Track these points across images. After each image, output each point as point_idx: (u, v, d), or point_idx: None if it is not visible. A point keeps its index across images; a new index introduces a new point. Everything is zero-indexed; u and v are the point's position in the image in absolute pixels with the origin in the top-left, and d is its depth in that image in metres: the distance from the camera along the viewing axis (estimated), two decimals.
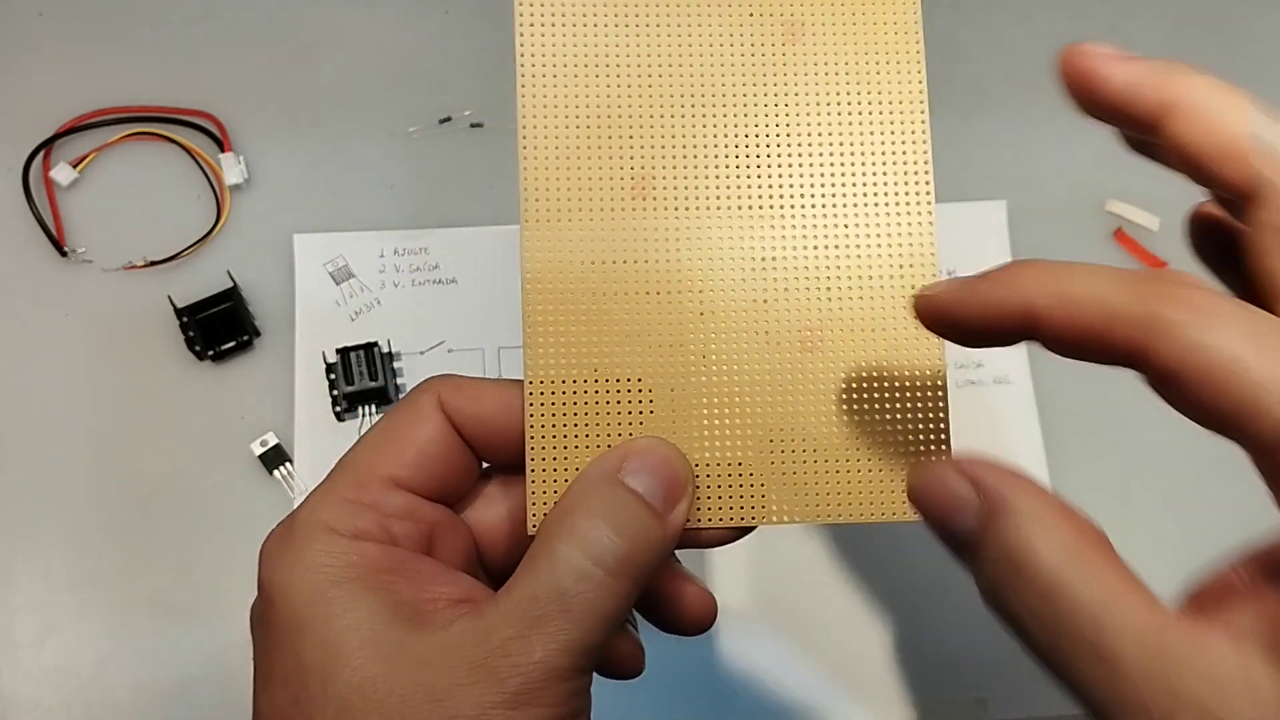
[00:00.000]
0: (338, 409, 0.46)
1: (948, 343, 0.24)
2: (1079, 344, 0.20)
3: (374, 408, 0.46)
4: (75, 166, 0.50)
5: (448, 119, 0.51)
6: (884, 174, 0.27)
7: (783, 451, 0.26)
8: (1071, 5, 0.55)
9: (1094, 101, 0.24)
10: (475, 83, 0.52)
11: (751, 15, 0.27)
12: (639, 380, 0.26)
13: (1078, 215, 0.51)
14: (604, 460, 0.25)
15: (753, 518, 0.26)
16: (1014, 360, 0.48)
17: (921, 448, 0.26)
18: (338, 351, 0.46)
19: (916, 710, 0.43)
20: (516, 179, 0.27)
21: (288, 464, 0.46)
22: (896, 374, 0.26)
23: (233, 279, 0.48)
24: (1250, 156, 0.21)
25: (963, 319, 0.22)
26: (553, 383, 0.26)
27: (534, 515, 0.26)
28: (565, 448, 0.26)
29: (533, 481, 0.26)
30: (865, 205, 0.27)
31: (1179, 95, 0.22)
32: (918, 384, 0.26)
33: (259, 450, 0.46)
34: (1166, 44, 0.54)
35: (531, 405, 0.26)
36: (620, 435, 0.26)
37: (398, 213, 0.50)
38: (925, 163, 0.27)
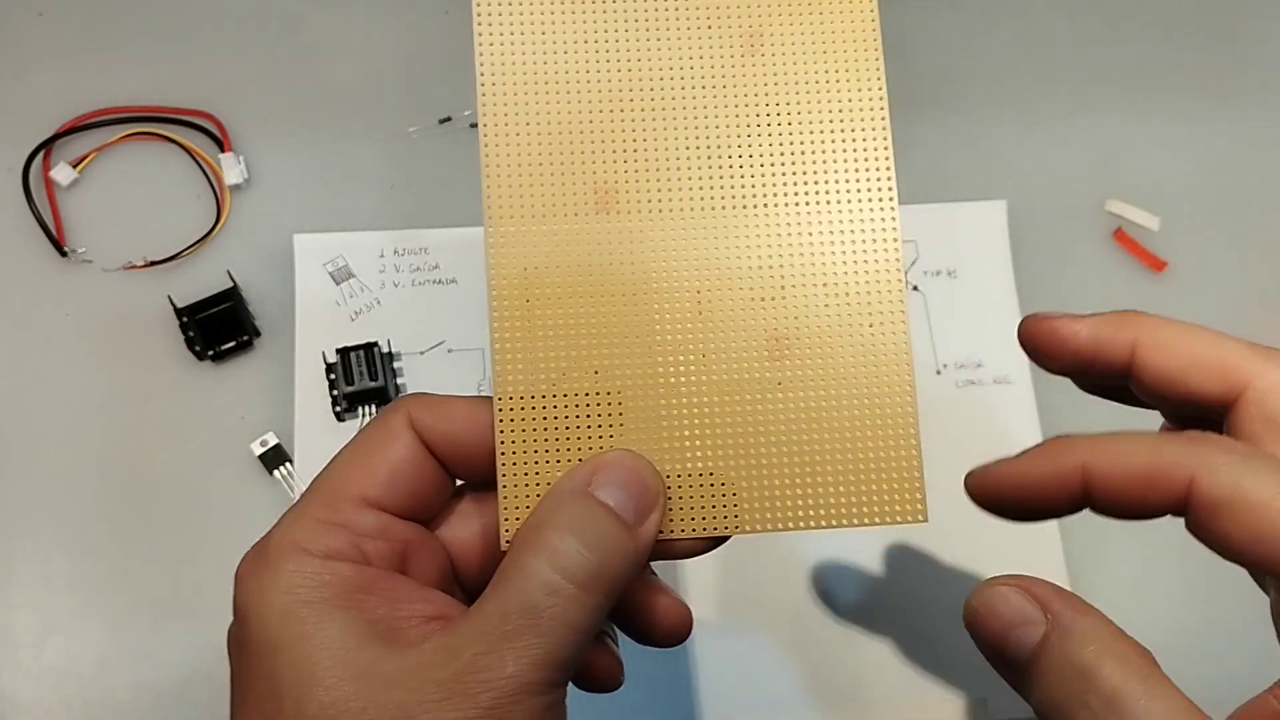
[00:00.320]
0: (338, 409, 0.46)
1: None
2: (1132, 490, 0.23)
3: (374, 408, 0.46)
4: (75, 166, 0.50)
5: (448, 119, 0.51)
6: (846, 181, 0.27)
7: (754, 460, 0.26)
8: (1072, 6, 0.55)
9: (1065, 355, 0.26)
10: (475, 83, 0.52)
11: (711, 26, 0.27)
12: (609, 394, 0.26)
13: (1078, 215, 0.51)
14: (574, 474, 0.25)
15: (725, 527, 0.26)
16: (1014, 360, 0.48)
17: (892, 452, 0.26)
18: (338, 351, 0.46)
19: (917, 710, 0.43)
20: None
21: (288, 464, 0.46)
22: (864, 380, 0.27)
23: (233, 279, 0.48)
24: (1222, 365, 0.24)
25: (1019, 491, 0.24)
26: (522, 398, 0.26)
27: (506, 530, 0.26)
28: (536, 462, 0.26)
29: (504, 497, 0.26)
30: (829, 213, 0.27)
31: (1142, 331, 0.25)
32: (886, 389, 0.27)
33: (259, 450, 0.46)
34: (1167, 44, 0.54)
35: (501, 421, 0.26)
36: (591, 449, 0.26)
37: (398, 213, 0.50)
38: (887, 168, 0.27)
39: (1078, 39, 0.54)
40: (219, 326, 0.47)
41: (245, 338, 0.47)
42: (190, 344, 0.47)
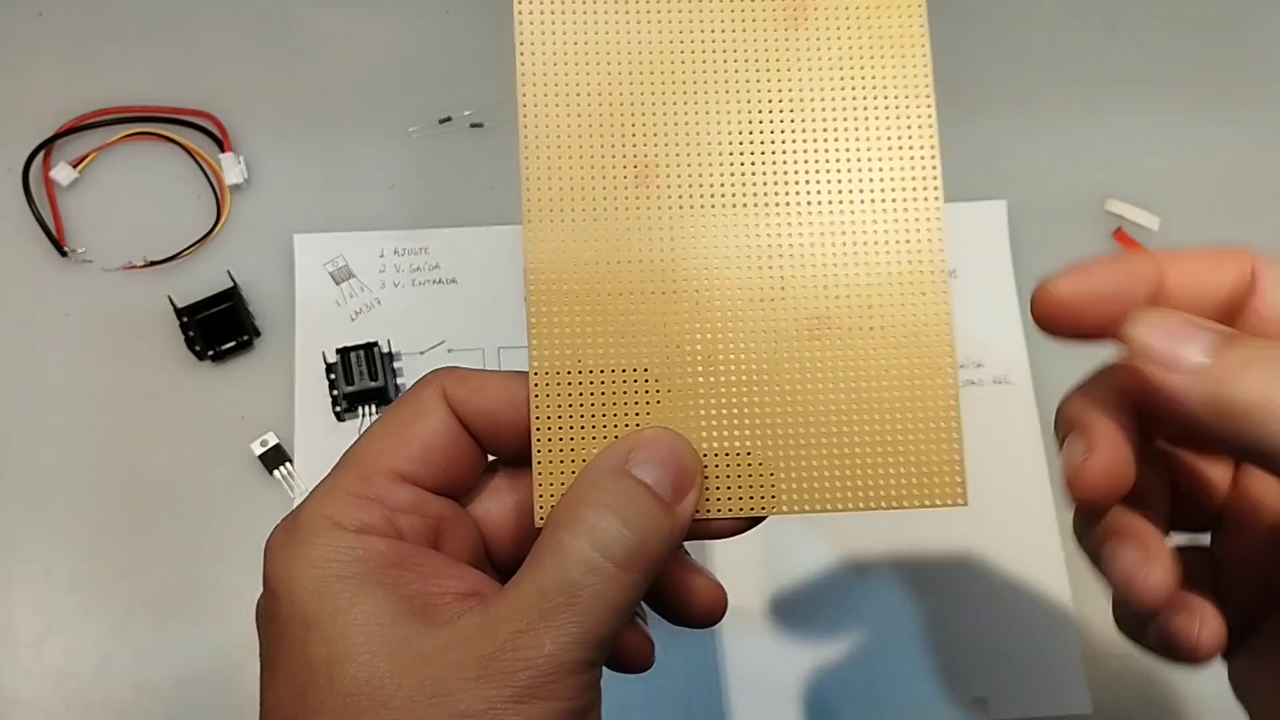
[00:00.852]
0: (338, 409, 0.46)
1: (954, 335, 0.25)
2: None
3: (374, 408, 0.46)
4: (75, 166, 0.50)
5: (448, 119, 0.51)
6: (890, 160, 0.27)
7: (792, 440, 0.26)
8: (1071, 5, 0.55)
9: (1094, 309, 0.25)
10: (475, 83, 0.52)
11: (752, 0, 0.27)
12: (645, 370, 0.26)
13: (1078, 215, 0.51)
14: (611, 451, 0.25)
15: (763, 507, 0.26)
16: (1014, 360, 0.48)
17: (931, 434, 0.26)
18: (338, 351, 0.46)
19: (917, 710, 0.43)
20: (517, 176, 0.26)
21: (288, 464, 0.46)
22: (905, 361, 0.26)
23: (233, 279, 0.48)
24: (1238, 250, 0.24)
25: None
26: (558, 373, 0.26)
27: (541, 508, 0.25)
28: (571, 439, 0.26)
29: (539, 474, 0.25)
30: (871, 192, 0.26)
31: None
32: (927, 370, 0.26)
33: (259, 450, 0.46)
34: (1167, 44, 0.54)
35: (537, 396, 0.26)
36: (627, 426, 0.26)
37: (398, 213, 0.50)
38: (932, 148, 0.27)
39: (1078, 39, 0.54)
40: (219, 326, 0.47)
41: (245, 338, 0.47)
42: (190, 344, 0.47)
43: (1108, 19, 0.55)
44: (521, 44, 0.26)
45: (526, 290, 0.26)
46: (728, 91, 0.27)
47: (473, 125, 0.51)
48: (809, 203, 0.26)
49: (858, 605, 0.45)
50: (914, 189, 0.27)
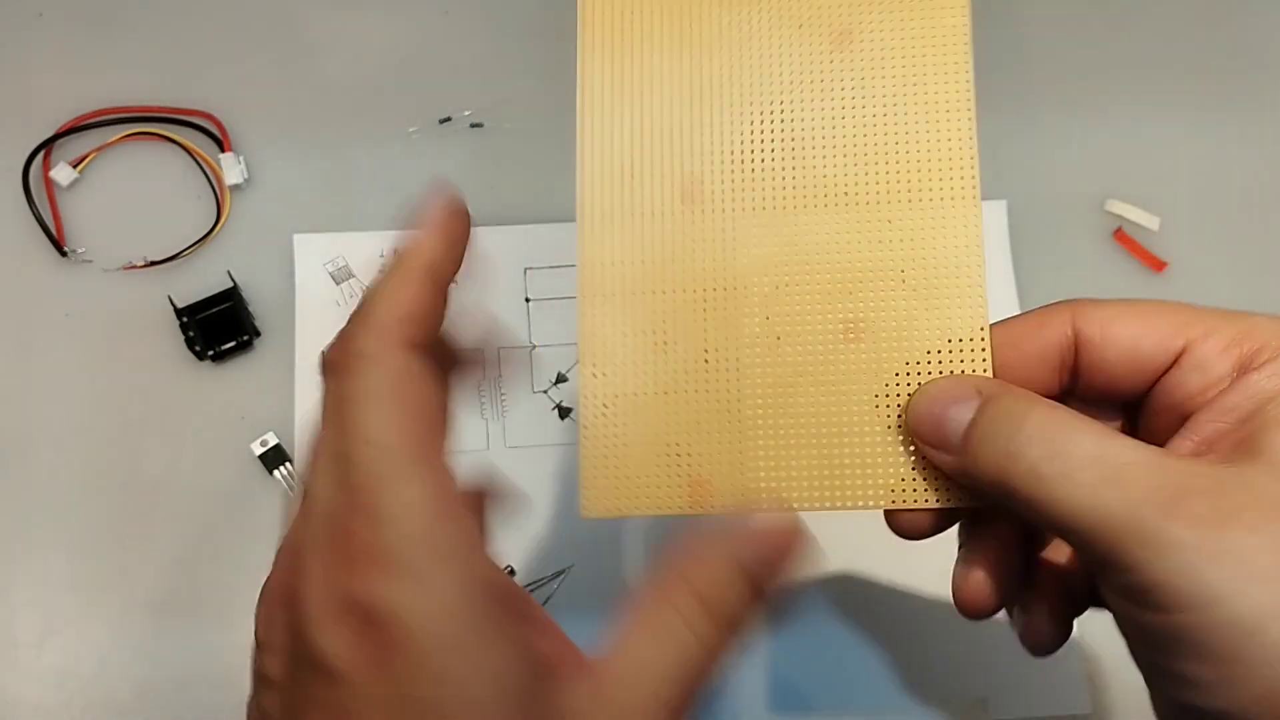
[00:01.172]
0: None
1: (988, 342, 0.27)
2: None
3: None
4: (75, 166, 0.50)
5: (448, 119, 0.51)
6: (930, 173, 0.28)
7: (825, 441, 0.27)
8: (1071, 5, 0.55)
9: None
10: (475, 83, 0.52)
11: (801, 26, 0.28)
12: (687, 375, 0.27)
13: (1078, 215, 0.51)
14: (732, 542, 0.25)
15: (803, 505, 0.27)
16: None
17: None
18: None
19: (916, 710, 0.43)
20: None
21: (288, 464, 0.46)
22: (939, 364, 0.27)
23: (233, 279, 0.48)
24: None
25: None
26: (609, 398, 0.27)
27: (586, 500, 0.27)
28: (617, 443, 0.27)
29: (584, 471, 0.27)
30: (911, 204, 0.28)
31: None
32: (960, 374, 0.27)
33: (259, 450, 0.46)
34: (1167, 44, 0.54)
35: (585, 417, 0.27)
36: (670, 430, 0.27)
37: (398, 213, 0.50)
38: (971, 164, 0.28)
39: (1078, 38, 0.54)
40: (219, 326, 0.47)
41: (245, 338, 0.47)
42: (190, 344, 0.47)
43: (1108, 19, 0.55)
44: (583, 72, 0.28)
45: (580, 311, 0.28)
46: (774, 110, 0.28)
47: (473, 125, 0.51)
48: (850, 217, 0.28)
49: (858, 605, 0.45)
50: (952, 203, 0.28)
